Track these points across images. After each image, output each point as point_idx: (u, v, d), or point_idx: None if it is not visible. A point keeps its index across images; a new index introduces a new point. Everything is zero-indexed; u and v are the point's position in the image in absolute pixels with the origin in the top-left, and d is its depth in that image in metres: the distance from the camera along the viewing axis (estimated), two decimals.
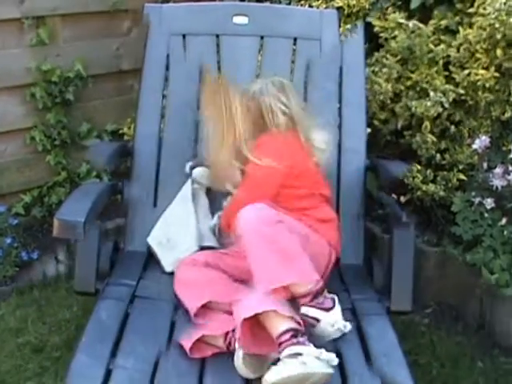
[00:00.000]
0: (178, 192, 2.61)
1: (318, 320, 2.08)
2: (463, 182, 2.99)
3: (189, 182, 2.60)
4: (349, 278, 2.47)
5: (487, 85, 2.86)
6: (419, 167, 2.98)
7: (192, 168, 2.59)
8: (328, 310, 2.12)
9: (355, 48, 2.80)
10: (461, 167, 2.99)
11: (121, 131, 3.36)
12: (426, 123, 2.93)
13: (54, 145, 3.52)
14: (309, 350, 1.97)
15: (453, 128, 2.99)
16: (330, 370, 1.96)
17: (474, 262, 2.77)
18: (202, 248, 2.48)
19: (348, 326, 2.09)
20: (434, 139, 2.95)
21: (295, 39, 2.82)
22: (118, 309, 2.21)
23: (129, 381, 1.94)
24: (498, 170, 2.74)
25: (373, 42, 3.07)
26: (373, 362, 2.04)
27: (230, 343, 2.11)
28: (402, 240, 2.37)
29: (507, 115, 2.86)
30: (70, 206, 2.32)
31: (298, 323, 2.03)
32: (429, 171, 3.00)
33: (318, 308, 2.10)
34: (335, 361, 1.99)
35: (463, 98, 2.94)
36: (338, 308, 2.12)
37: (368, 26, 2.86)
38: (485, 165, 2.84)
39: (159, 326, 2.18)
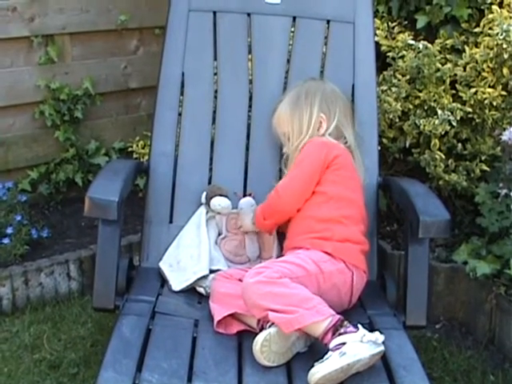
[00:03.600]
0: (193, 209, 2.63)
1: (344, 343, 2.03)
2: (485, 172, 3.04)
3: (202, 208, 2.63)
4: (364, 294, 2.48)
5: (494, 103, 2.92)
6: (442, 156, 3.00)
7: (210, 198, 2.60)
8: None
9: (367, 65, 2.81)
10: (483, 158, 3.03)
11: (130, 149, 3.38)
12: (435, 141, 2.97)
13: (63, 120, 3.55)
14: (350, 337, 2.03)
15: (460, 146, 3.04)
16: (377, 350, 2.03)
17: (501, 253, 2.81)
18: (212, 271, 2.49)
19: (380, 337, 2.06)
20: (443, 156, 2.99)
21: (328, 21, 2.81)
22: (140, 325, 2.21)
23: None
24: None
25: (379, 61, 3.12)
26: (393, 375, 2.06)
27: (262, 326, 2.18)
28: (417, 256, 2.39)
29: None
30: (101, 184, 2.36)
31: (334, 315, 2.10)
32: (450, 161, 3.04)
33: (341, 335, 2.06)
34: (381, 338, 2.05)
35: (470, 116, 2.98)
36: (362, 329, 2.09)
37: (375, 45, 2.89)
38: None
39: (181, 342, 2.19)
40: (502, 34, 2.81)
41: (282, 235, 2.59)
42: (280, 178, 2.66)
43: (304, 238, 2.41)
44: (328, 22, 2.81)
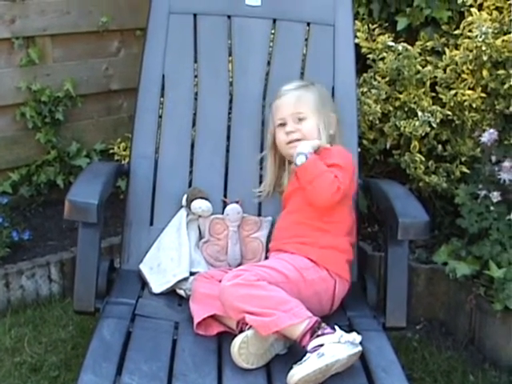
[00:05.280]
0: (174, 212, 2.63)
1: (322, 345, 2.04)
2: (465, 174, 3.05)
3: (183, 210, 2.62)
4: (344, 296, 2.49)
5: (474, 105, 2.93)
6: (422, 158, 3.02)
7: (191, 201, 2.60)
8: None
9: (347, 67, 2.81)
10: (463, 159, 3.05)
11: (111, 151, 3.38)
12: (415, 143, 2.99)
13: (44, 122, 3.54)
14: (328, 338, 2.04)
15: (440, 147, 3.06)
16: (355, 350, 2.04)
17: (481, 254, 2.83)
18: (192, 274, 2.49)
19: (358, 337, 2.07)
20: (423, 158, 3.00)
21: (308, 24, 2.82)
22: (120, 327, 2.21)
23: None
24: (507, 164, 2.79)
25: (360, 63, 3.13)
26: (372, 377, 2.07)
27: (242, 328, 2.18)
28: (396, 257, 2.40)
29: (511, 109, 2.92)
30: (81, 186, 2.36)
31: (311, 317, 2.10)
32: (430, 162, 3.06)
33: (319, 337, 2.07)
34: (358, 338, 2.06)
35: (450, 117, 3.00)
36: (340, 330, 2.10)
37: (355, 47, 2.90)
38: (493, 158, 2.89)
39: (161, 344, 2.19)
40: (481, 37, 2.82)
41: None
42: (260, 181, 2.69)
43: (290, 242, 2.42)
44: (308, 24, 2.81)
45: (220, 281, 2.29)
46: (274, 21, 2.81)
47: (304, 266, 2.33)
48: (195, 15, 2.79)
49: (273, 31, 2.82)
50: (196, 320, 2.25)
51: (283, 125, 2.55)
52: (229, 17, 2.80)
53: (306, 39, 2.81)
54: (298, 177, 2.44)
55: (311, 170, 2.40)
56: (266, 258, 2.57)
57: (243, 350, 2.08)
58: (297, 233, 2.43)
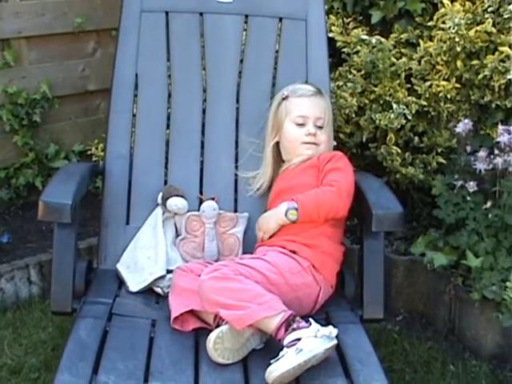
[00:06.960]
0: (150, 210, 2.63)
1: (299, 339, 2.03)
2: (441, 165, 3.06)
3: (158, 209, 2.62)
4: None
5: (449, 96, 2.94)
6: (398, 150, 3.03)
7: (166, 199, 2.60)
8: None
9: (320, 61, 2.81)
10: (439, 150, 3.06)
11: (89, 152, 3.37)
12: (391, 135, 3.00)
13: (21, 125, 3.54)
14: (305, 332, 2.03)
15: (416, 139, 3.07)
16: (331, 344, 2.03)
17: (458, 244, 2.84)
18: (169, 271, 2.49)
19: (334, 331, 2.06)
20: (399, 151, 3.01)
21: (281, 19, 2.82)
22: (97, 327, 2.21)
23: None
24: (482, 154, 2.80)
25: (335, 57, 3.14)
26: (349, 369, 2.07)
27: (218, 323, 2.18)
28: (372, 249, 2.41)
29: (486, 99, 2.92)
30: (55, 187, 2.36)
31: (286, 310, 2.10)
32: (407, 154, 3.07)
33: (295, 330, 2.06)
34: (334, 332, 2.05)
35: (426, 109, 3.01)
36: (315, 324, 2.09)
37: (330, 41, 2.91)
38: (468, 148, 2.90)
39: (138, 342, 2.18)
40: (453, 28, 2.83)
41: (246, 240, 2.61)
42: (235, 179, 2.69)
43: (294, 241, 2.41)
44: (280, 19, 2.81)
45: (200, 275, 2.29)
46: (246, 17, 2.81)
47: (289, 269, 2.32)
48: (167, 13, 2.78)
49: (245, 27, 2.82)
50: (173, 315, 2.25)
51: (301, 124, 2.56)
52: (201, 14, 2.80)
53: (279, 35, 2.82)
54: (304, 221, 2.41)
55: (308, 209, 2.39)
56: (244, 253, 2.57)
57: (218, 345, 2.08)
58: (304, 234, 2.42)
